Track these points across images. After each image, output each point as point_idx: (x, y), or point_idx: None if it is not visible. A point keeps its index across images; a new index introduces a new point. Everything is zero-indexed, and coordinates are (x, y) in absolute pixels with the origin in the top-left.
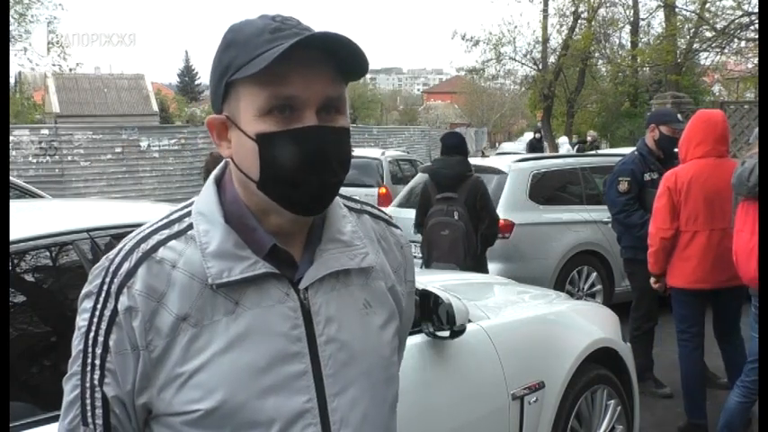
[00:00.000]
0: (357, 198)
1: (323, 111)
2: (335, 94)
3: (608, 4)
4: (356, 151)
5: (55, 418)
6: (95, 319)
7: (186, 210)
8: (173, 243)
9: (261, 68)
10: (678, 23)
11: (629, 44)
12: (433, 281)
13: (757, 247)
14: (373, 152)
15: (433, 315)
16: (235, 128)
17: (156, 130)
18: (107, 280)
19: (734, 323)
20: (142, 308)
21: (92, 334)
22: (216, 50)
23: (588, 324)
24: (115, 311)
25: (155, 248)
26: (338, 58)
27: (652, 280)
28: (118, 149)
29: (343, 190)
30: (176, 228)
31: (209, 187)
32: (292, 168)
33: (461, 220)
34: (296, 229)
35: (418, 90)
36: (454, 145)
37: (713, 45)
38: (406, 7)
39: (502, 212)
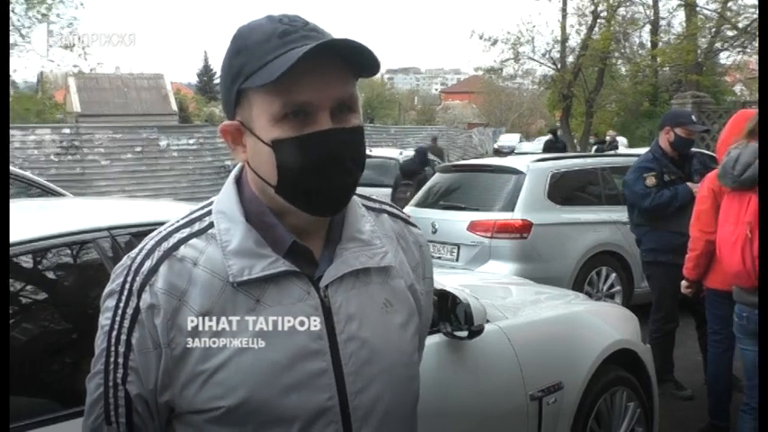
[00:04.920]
0: (375, 198)
1: (336, 111)
2: (347, 95)
3: (628, 4)
4: (373, 151)
5: (76, 414)
6: (118, 318)
7: (206, 209)
8: (194, 241)
9: (272, 80)
10: (699, 22)
11: (649, 44)
12: (450, 281)
13: (741, 239)
14: (391, 152)
15: (450, 315)
16: (249, 133)
17: (175, 129)
18: (129, 279)
19: None
20: (164, 306)
21: (114, 332)
22: (225, 55)
23: (607, 325)
24: (137, 309)
25: (176, 247)
26: (346, 58)
27: (684, 284)
28: (138, 148)
29: (360, 190)
30: (197, 226)
31: (229, 186)
32: (308, 173)
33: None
34: (314, 228)
35: (436, 90)
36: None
37: (735, 44)
38: (423, 6)
39: (520, 212)
